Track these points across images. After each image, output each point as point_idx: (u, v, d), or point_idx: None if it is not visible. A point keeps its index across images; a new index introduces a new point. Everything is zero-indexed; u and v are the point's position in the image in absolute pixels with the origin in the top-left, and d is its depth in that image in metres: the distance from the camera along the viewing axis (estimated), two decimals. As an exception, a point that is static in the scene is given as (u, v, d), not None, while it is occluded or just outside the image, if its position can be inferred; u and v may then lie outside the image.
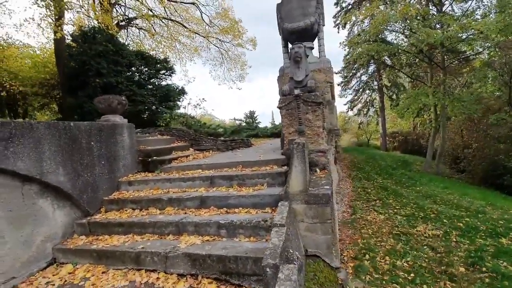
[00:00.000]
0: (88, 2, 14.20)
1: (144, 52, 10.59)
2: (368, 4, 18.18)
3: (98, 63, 7.97)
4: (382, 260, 4.59)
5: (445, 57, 13.20)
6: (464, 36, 11.54)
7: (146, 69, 10.08)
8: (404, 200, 8.55)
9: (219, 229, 3.43)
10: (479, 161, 12.45)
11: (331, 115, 5.67)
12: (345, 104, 26.78)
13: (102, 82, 8.01)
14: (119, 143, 5.07)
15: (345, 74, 24.83)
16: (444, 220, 6.68)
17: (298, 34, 5.92)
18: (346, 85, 25.48)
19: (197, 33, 18.91)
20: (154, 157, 5.47)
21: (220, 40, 21.24)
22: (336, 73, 25.98)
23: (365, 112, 27.35)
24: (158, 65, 10.56)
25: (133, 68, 9.22)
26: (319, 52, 6.09)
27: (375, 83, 24.78)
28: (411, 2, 13.92)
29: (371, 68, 24.26)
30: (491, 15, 11.81)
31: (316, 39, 6.23)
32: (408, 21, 11.81)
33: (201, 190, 4.30)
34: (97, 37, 8.51)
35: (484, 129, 12.66)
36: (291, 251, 2.41)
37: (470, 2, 12.52)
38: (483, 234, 5.82)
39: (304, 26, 5.74)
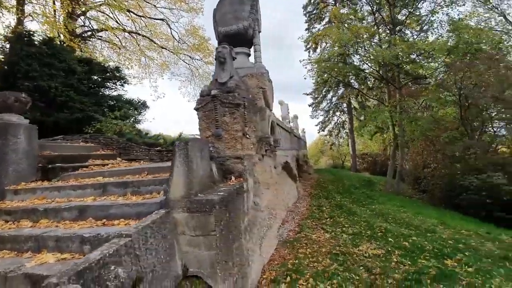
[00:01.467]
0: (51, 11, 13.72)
1: (90, 58, 10.05)
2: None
3: (28, 65, 7.29)
4: (304, 283, 4.02)
5: (401, 79, 13.68)
6: (414, 58, 12.05)
7: (94, 76, 9.49)
8: (356, 218, 8.14)
9: (83, 245, 2.78)
10: (437, 181, 12.52)
11: (263, 122, 5.29)
12: (316, 125, 27.09)
13: (32, 86, 7.30)
14: (10, 146, 4.35)
15: (315, 96, 25.34)
16: (390, 239, 6.27)
17: (232, 38, 5.65)
18: (317, 106, 25.93)
19: (165, 48, 18.74)
20: (57, 164, 4.76)
21: (190, 57, 21.21)
22: (307, 95, 26.52)
23: (336, 133, 27.71)
24: (108, 74, 10.01)
25: (76, 75, 8.60)
26: (254, 58, 5.84)
27: (345, 105, 25.39)
28: (365, 24, 14.52)
29: (341, 90, 24.94)
30: (444, 38, 12.47)
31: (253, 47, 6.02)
32: (365, 43, 12.19)
33: (88, 199, 3.64)
34: (32, 39, 7.92)
35: (441, 149, 12.89)
36: (115, 269, 1.83)
37: (425, 26, 13.27)
38: (427, 255, 5.41)
39: (236, 29, 5.51)
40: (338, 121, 27.26)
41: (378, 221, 7.78)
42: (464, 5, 12.67)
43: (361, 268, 4.79)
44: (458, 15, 13.77)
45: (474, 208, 9.93)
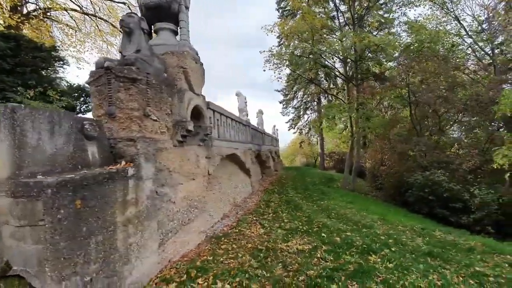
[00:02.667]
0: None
1: (19, 35, 9.00)
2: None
3: None
4: (201, 282, 3.59)
5: (359, 76, 13.74)
6: (369, 54, 12.14)
7: (23, 55, 8.49)
8: (299, 213, 7.90)
9: None
10: (390, 178, 12.70)
11: (181, 104, 4.79)
12: (286, 122, 26.94)
13: None
14: None
15: (286, 93, 25.17)
16: (323, 234, 6.03)
17: (154, 12, 5.12)
18: (288, 103, 25.79)
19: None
20: None
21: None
22: (279, 91, 26.33)
23: (306, 131, 27.76)
24: (42, 53, 9.02)
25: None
26: (180, 35, 5.33)
27: (316, 103, 25.46)
28: (322, 17, 14.36)
29: (312, 88, 24.95)
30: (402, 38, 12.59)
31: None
32: (323, 35, 11.99)
33: None
34: None
35: (393, 147, 13.10)
36: None
37: (385, 25, 13.38)
38: (354, 250, 5.18)
39: (157, 1, 4.97)
40: (309, 120, 27.32)
41: (320, 217, 7.57)
42: (420, 5, 12.93)
43: (280, 264, 4.46)
44: (418, 17, 14.12)
45: (418, 205, 10.07)
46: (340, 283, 3.89)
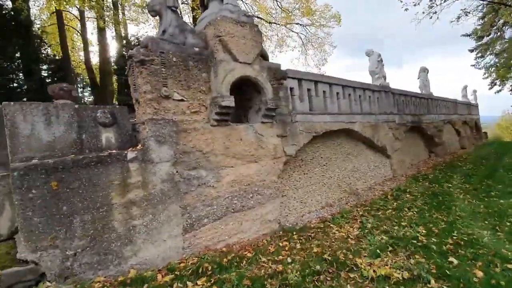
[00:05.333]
0: None
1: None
2: None
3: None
4: (200, 283, 3.05)
5: None
6: None
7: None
8: (438, 214, 5.13)
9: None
10: None
11: (216, 79, 4.21)
12: (484, 78, 18.22)
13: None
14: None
15: (480, 35, 16.84)
16: (452, 259, 3.57)
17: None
18: (485, 51, 17.23)
19: (275, 23, 18.47)
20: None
21: (300, 24, 20.06)
22: (468, 36, 18.27)
23: (527, 88, 17.67)
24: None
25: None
26: (225, -1, 4.64)
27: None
28: None
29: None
30: None
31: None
32: None
33: None
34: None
35: None
36: None
37: None
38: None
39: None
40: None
41: (474, 225, 4.54)
42: None
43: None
44: None
45: None
46: None
